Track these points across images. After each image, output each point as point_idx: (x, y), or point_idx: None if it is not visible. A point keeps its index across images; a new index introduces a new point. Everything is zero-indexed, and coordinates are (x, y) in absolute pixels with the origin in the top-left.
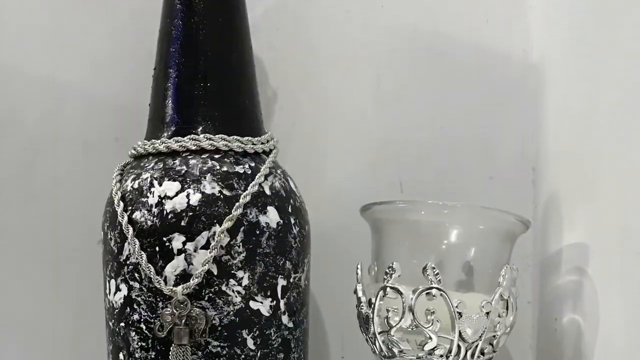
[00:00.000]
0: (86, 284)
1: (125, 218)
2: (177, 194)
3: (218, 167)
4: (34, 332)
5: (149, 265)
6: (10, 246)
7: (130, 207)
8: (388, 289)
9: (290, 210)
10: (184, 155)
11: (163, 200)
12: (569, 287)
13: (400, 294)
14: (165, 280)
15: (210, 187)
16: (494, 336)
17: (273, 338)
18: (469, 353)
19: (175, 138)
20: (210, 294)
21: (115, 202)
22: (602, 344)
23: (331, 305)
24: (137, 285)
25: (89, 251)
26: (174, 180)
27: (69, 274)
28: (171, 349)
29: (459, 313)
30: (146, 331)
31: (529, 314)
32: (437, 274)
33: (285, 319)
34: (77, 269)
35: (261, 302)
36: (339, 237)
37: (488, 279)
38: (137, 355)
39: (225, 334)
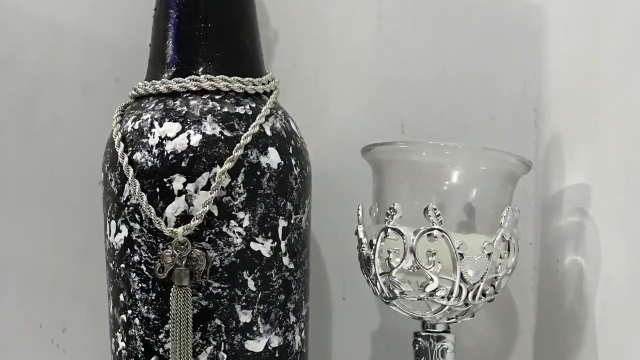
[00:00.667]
0: (86, 225)
1: (126, 159)
2: (177, 134)
3: (219, 108)
4: (33, 273)
5: (150, 206)
6: (10, 187)
7: (130, 148)
8: (389, 230)
9: (291, 151)
10: (184, 96)
11: (163, 141)
12: (570, 228)
13: (402, 235)
14: (165, 222)
15: (210, 127)
16: (496, 277)
17: (274, 279)
18: (470, 294)
19: (175, 79)
20: (211, 235)
21: (116, 143)
22: (603, 284)
23: (332, 246)
24: (137, 226)
25: (89, 192)
26: (175, 121)
27: (69, 215)
28: (172, 290)
29: (461, 254)
30: (147, 272)
31: (531, 255)
32: (439, 215)
33: (286, 260)
34: (77, 210)
35: (262, 244)
36: (340, 178)
37: (489, 220)
38: (137, 296)
39: (226, 275)
